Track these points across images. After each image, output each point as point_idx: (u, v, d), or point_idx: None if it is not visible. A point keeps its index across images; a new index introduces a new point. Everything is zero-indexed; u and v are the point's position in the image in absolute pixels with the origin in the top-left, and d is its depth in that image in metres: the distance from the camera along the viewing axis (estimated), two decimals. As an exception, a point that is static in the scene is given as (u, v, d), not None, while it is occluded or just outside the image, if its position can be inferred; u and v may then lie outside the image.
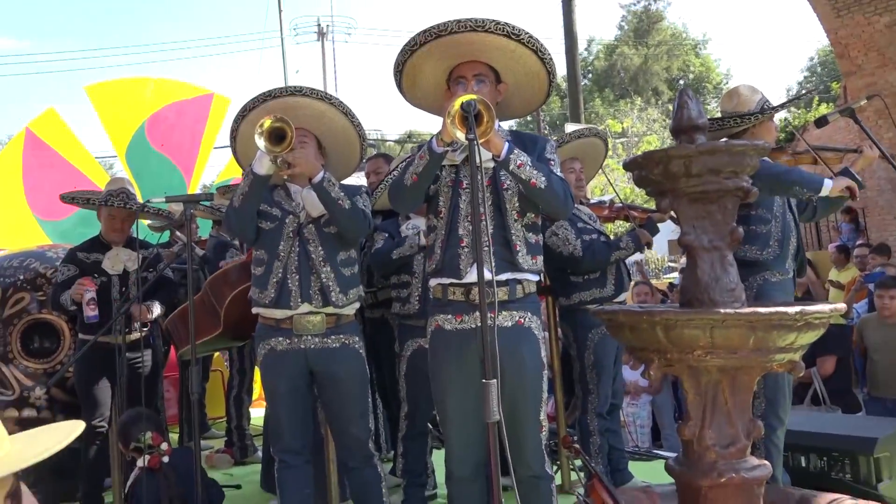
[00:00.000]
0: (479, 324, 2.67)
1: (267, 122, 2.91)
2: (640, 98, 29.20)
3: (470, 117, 2.37)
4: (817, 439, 3.85)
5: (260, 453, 5.08)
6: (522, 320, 2.78)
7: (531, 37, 2.78)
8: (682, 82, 32.90)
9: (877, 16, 10.30)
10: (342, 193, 3.09)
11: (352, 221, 3.12)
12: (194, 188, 7.33)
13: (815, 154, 3.61)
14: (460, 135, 2.44)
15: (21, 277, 5.01)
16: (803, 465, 3.85)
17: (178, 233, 5.49)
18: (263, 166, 3.00)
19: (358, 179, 4.30)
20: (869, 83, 10.68)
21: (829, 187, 3.38)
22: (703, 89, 32.66)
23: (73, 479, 4.41)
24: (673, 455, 4.70)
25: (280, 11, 21.86)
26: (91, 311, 3.90)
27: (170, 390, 6.13)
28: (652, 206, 4.92)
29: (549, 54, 2.86)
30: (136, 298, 4.09)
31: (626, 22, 35.88)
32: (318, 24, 27.26)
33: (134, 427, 3.53)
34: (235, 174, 7.17)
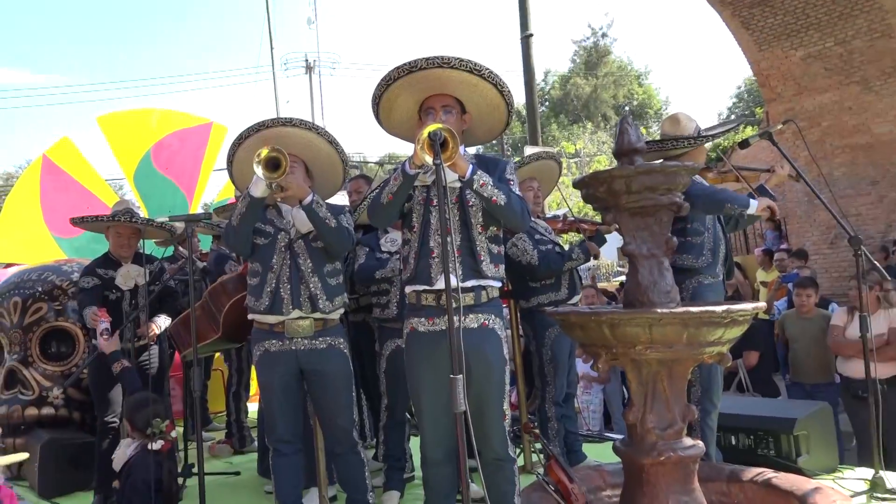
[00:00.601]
0: (447, 326, 2.72)
1: (264, 152, 2.91)
2: (590, 123, 29.40)
3: (436, 144, 2.39)
4: (745, 421, 3.88)
5: (256, 443, 5.05)
6: (487, 322, 2.79)
7: (492, 72, 2.79)
8: (627, 109, 33.15)
9: (793, 50, 10.48)
10: (329, 213, 3.09)
11: (337, 238, 3.12)
12: (195, 207, 7.26)
13: (736, 173, 3.68)
14: (429, 159, 2.45)
15: (40, 289, 4.96)
16: (733, 443, 3.89)
17: (181, 248, 5.45)
18: (259, 190, 3.00)
19: (341, 198, 4.30)
20: (787, 108, 10.85)
21: (755, 206, 3.46)
22: (646, 115, 32.95)
23: (87, 470, 4.35)
24: (621, 437, 4.77)
25: (272, 48, 21.60)
26: (104, 341, 3.81)
27: (175, 388, 6.06)
28: (600, 219, 4.96)
29: (508, 88, 2.87)
30: (142, 308, 4.05)
31: (577, 56, 36.10)
32: (306, 60, 27.13)
33: (142, 410, 3.42)
34: (232, 194, 7.14)
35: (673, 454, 2.71)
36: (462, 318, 2.70)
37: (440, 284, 2.74)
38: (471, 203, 2.81)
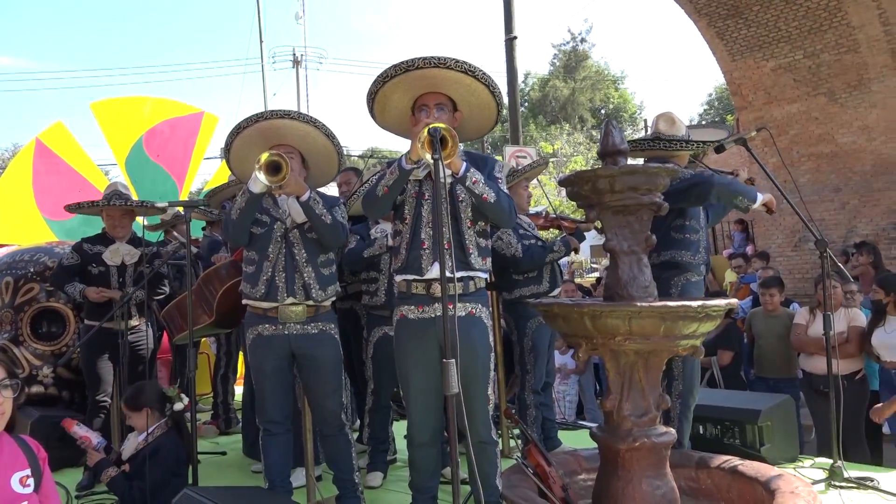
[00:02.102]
0: (438, 313, 2.76)
1: (264, 157, 2.91)
2: (568, 124, 29.43)
3: (436, 141, 2.42)
4: (712, 411, 3.94)
5: (241, 425, 5.05)
6: (474, 311, 2.84)
7: (484, 73, 2.84)
8: (603, 112, 33.30)
9: (764, 61, 10.64)
10: (324, 209, 3.11)
11: (332, 233, 3.15)
12: (185, 195, 7.21)
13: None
14: (428, 156, 2.49)
15: (31, 270, 4.92)
16: (701, 432, 3.94)
17: (174, 232, 5.43)
18: (258, 186, 3.00)
19: (328, 188, 4.32)
20: (757, 117, 11.01)
21: (760, 200, 3.51)
22: (621, 118, 33.02)
23: (76, 447, 4.31)
24: (594, 425, 4.82)
25: (261, 42, 21.45)
26: (93, 455, 3.44)
27: (162, 370, 6.04)
28: (578, 216, 5.02)
29: (499, 88, 2.93)
30: (134, 291, 4.05)
31: (557, 59, 36.09)
32: (294, 54, 26.81)
33: (147, 390, 3.44)
34: (222, 181, 7.12)
35: (647, 440, 2.77)
36: (451, 307, 2.76)
37: (430, 274, 2.80)
38: (461, 199, 2.86)
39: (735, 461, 3.18)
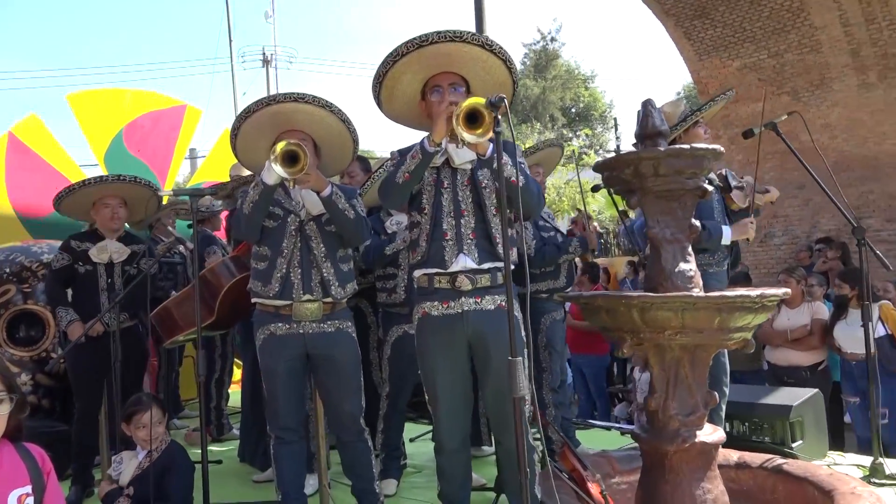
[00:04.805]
0: (465, 308, 2.53)
1: (280, 147, 2.58)
2: (538, 123, 29.21)
3: (495, 110, 2.09)
4: (739, 408, 3.70)
5: (235, 431, 4.66)
6: (503, 304, 2.56)
7: (502, 48, 2.59)
8: (573, 111, 33.12)
9: (730, 60, 10.65)
10: (347, 204, 2.81)
11: (355, 229, 2.84)
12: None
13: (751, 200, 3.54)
14: (467, 136, 2.21)
15: (7, 271, 4.45)
16: (728, 430, 3.65)
17: (166, 227, 5.01)
18: (273, 178, 2.66)
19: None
20: (724, 115, 10.96)
21: (727, 236, 3.30)
22: (591, 117, 32.92)
23: (62, 458, 3.88)
24: (607, 424, 4.57)
25: (230, 41, 20.77)
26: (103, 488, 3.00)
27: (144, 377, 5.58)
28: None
29: (515, 65, 2.68)
30: (118, 300, 3.56)
31: (527, 58, 35.63)
32: (264, 53, 26.07)
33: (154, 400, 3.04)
34: (201, 181, 6.72)
35: (696, 441, 2.51)
36: (479, 301, 2.53)
37: (454, 267, 2.53)
38: (484, 184, 2.59)
39: (778, 460, 2.94)
